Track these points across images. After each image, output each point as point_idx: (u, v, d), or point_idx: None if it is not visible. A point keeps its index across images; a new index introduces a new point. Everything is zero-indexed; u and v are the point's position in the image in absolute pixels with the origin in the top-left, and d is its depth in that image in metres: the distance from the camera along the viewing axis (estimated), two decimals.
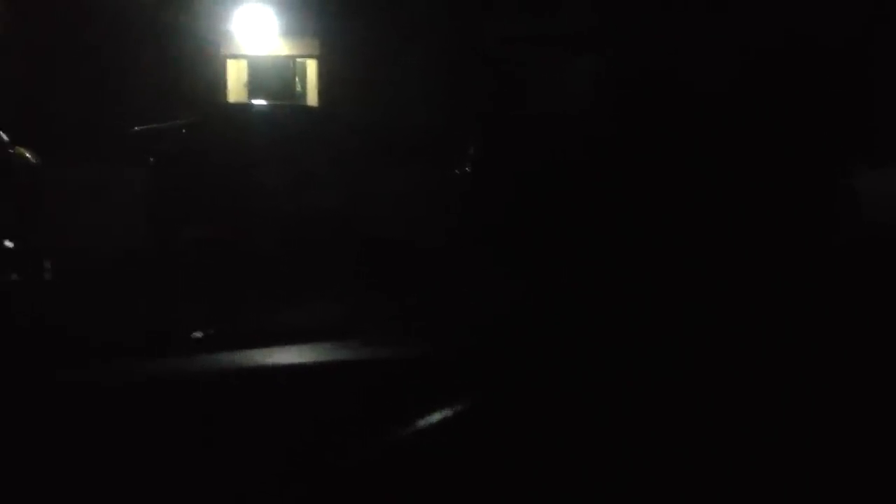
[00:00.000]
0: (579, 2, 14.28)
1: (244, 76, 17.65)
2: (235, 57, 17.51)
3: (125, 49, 16.46)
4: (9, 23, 15.04)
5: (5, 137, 9.05)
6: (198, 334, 2.03)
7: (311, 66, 17.57)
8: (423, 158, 10.86)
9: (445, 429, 1.33)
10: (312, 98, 17.41)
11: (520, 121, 12.03)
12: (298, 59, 17.65)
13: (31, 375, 1.05)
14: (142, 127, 12.77)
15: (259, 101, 14.18)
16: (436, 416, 1.32)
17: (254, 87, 17.38)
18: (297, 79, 17.75)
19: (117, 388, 1.71)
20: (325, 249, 7.42)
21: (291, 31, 17.16)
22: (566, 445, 1.37)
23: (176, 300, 5.29)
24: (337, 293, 5.59)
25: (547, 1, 14.67)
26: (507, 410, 1.43)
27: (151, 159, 9.01)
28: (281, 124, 9.71)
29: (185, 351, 1.93)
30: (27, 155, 9.39)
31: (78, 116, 14.48)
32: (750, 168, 5.95)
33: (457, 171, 10.07)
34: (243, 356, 1.90)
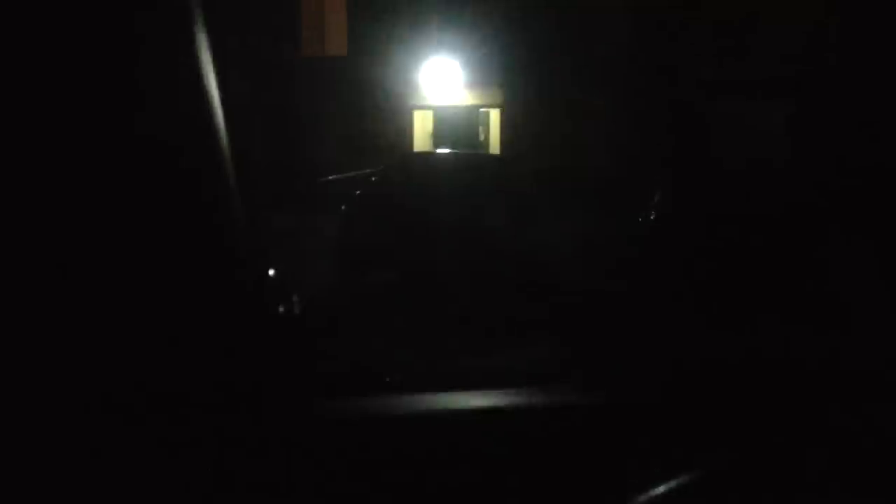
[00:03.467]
0: (775, 47, 13.90)
1: (429, 126, 18.08)
2: (421, 108, 17.97)
3: (316, 100, 17.20)
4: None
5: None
6: (395, 376, 2.07)
7: (494, 115, 17.82)
8: (608, 205, 10.77)
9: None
10: (495, 146, 17.64)
11: (708, 168, 11.77)
12: (482, 109, 17.95)
13: (291, 406, 1.11)
14: (333, 176, 13.30)
15: (444, 150, 14.47)
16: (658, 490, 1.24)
17: (439, 136, 17.79)
18: (480, 127, 18.04)
19: (332, 425, 1.76)
20: (511, 295, 7.44)
21: (475, 82, 17.48)
22: None
23: (367, 342, 5.42)
24: (523, 339, 5.58)
25: (741, 46, 14.34)
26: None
27: (343, 207, 9.33)
28: (465, 172, 9.85)
29: (381, 392, 1.96)
30: None
31: (273, 166, 15.17)
32: None
33: (640, 218, 9.93)
34: (434, 399, 1.91)
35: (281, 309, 1.18)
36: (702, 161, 13.14)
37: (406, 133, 17.86)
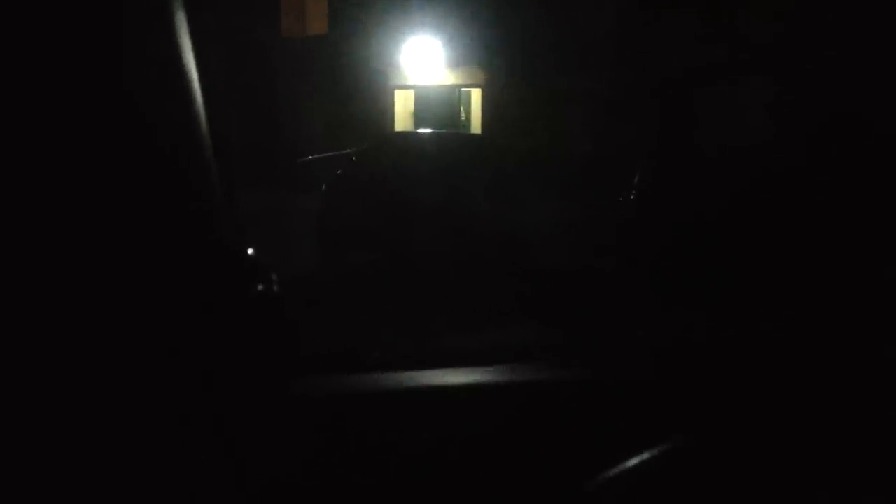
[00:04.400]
0: (759, 31, 13.93)
1: (411, 105, 18.04)
2: (403, 87, 17.93)
3: (297, 81, 17.14)
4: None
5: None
6: (376, 354, 2.08)
7: (476, 95, 17.81)
8: (587, 186, 10.81)
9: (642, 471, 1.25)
10: (476, 126, 17.63)
11: (688, 149, 11.80)
12: (463, 89, 17.92)
13: (269, 387, 1.11)
14: (314, 156, 13.26)
15: (425, 130, 14.46)
16: (641, 458, 1.25)
17: (420, 116, 17.76)
18: (461, 108, 18.03)
19: (321, 402, 1.78)
20: (490, 275, 7.47)
21: (457, 62, 17.44)
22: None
23: (350, 321, 5.44)
24: (504, 318, 5.61)
25: (725, 30, 14.36)
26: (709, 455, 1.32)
27: (323, 186, 9.31)
28: (446, 152, 9.85)
29: (366, 369, 1.98)
30: None
31: (254, 146, 15.12)
32: None
33: (621, 198, 9.96)
34: (419, 376, 1.93)
35: (259, 287, 1.18)
36: (683, 143, 13.19)
37: (387, 113, 17.83)
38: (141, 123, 0.93)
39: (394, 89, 17.89)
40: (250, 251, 1.21)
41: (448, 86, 17.85)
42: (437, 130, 13.67)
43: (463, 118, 18.02)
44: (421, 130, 15.07)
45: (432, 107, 17.80)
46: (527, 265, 8.08)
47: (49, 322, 0.87)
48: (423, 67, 17.59)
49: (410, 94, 18.06)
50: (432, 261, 7.82)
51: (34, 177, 0.86)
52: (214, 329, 0.97)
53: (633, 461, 1.21)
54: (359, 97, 17.28)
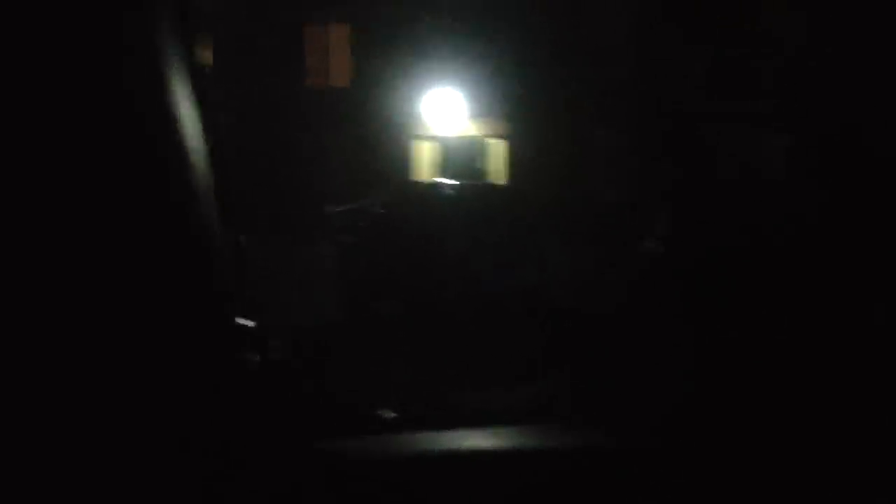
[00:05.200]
0: (774, 80, 13.95)
1: (434, 156, 18.08)
2: (426, 138, 18.00)
3: (321, 134, 17.27)
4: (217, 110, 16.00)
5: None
6: (389, 414, 2.06)
7: (499, 146, 17.83)
8: (611, 234, 10.78)
9: None
10: (500, 177, 17.63)
11: (707, 196, 11.79)
12: (486, 140, 17.96)
13: (279, 452, 1.10)
14: (340, 208, 13.31)
15: (448, 181, 14.50)
16: None
17: (443, 167, 17.78)
18: (484, 158, 18.05)
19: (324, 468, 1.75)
20: (516, 326, 7.43)
21: (480, 113, 17.52)
22: None
23: (368, 376, 5.41)
24: (527, 372, 5.57)
25: (740, 79, 14.39)
26: None
27: (348, 237, 9.34)
28: (470, 203, 9.87)
29: (376, 430, 1.94)
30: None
31: (277, 198, 15.17)
32: None
33: (644, 247, 9.93)
34: (432, 438, 1.89)
35: (256, 358, 1.16)
36: (703, 190, 13.16)
37: (410, 164, 17.88)
38: (139, 181, 0.92)
39: (415, 140, 17.96)
40: (248, 322, 1.19)
41: (470, 136, 17.90)
42: (460, 181, 13.71)
43: (486, 169, 18.04)
44: (444, 181, 15.11)
45: (455, 158, 17.83)
46: (550, 311, 8.04)
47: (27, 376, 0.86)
48: (446, 118, 17.66)
49: (434, 145, 18.12)
50: (455, 311, 7.80)
51: (30, 243, 0.86)
52: (199, 397, 0.95)
53: None
54: (381, 148, 17.37)
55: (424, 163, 18.06)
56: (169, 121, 0.99)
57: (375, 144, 17.38)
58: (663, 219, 9.88)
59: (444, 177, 16.99)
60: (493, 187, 15.05)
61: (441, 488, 1.72)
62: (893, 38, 10.60)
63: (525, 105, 16.60)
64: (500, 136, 17.68)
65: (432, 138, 18.05)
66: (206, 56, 16.47)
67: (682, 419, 2.03)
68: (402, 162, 17.75)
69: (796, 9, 13.88)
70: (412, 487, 1.71)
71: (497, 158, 17.84)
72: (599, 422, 2.00)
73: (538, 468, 1.78)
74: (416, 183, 16.55)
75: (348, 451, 1.76)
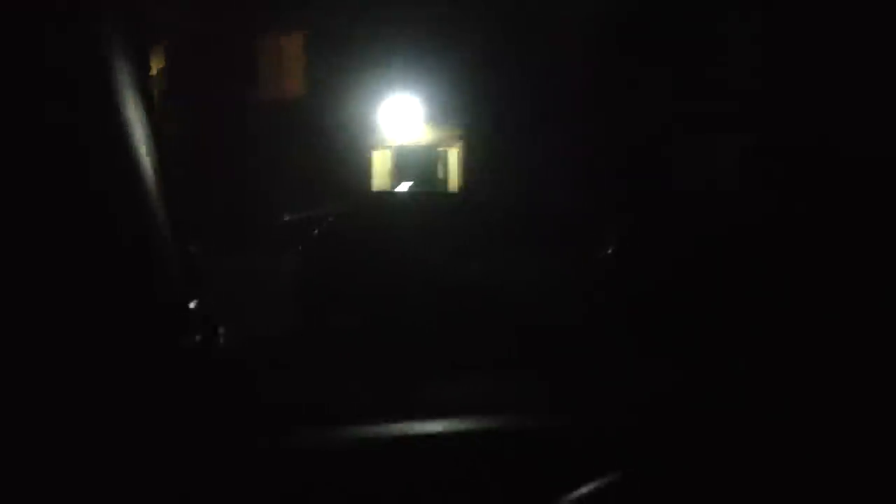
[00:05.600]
0: (729, 82, 14.12)
1: (389, 165, 18.12)
2: (381, 147, 18.02)
3: (277, 143, 17.20)
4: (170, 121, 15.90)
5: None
6: (350, 403, 2.07)
7: (454, 154, 17.91)
8: (566, 240, 10.81)
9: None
10: (454, 184, 17.71)
11: (665, 201, 11.88)
12: (441, 147, 18.03)
13: (228, 441, 1.11)
14: (292, 216, 13.24)
15: (403, 189, 14.50)
16: (581, 491, 1.27)
17: (398, 175, 17.82)
18: (439, 165, 18.12)
19: (293, 455, 1.77)
20: (470, 333, 7.42)
21: (434, 120, 17.57)
22: None
23: (326, 378, 5.38)
24: (482, 371, 5.56)
25: (696, 81, 14.55)
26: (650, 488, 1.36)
27: (301, 247, 9.28)
28: (424, 211, 9.86)
29: (340, 421, 1.96)
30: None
31: (230, 207, 15.10)
32: None
33: (600, 252, 9.98)
34: (393, 427, 1.91)
35: (197, 338, 1.17)
36: (660, 195, 13.28)
37: (365, 172, 17.88)
38: (87, 187, 0.92)
39: (371, 149, 17.97)
40: (192, 304, 1.21)
41: (426, 144, 17.96)
42: (415, 189, 13.72)
43: (441, 176, 18.11)
44: (398, 189, 15.12)
45: (410, 166, 17.88)
46: (508, 320, 8.04)
47: None
48: (401, 126, 17.70)
49: (388, 153, 18.15)
50: (412, 320, 7.77)
51: None
52: (135, 375, 0.96)
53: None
54: (336, 157, 17.34)
55: (381, 171, 18.08)
56: (113, 127, 1.01)
57: (332, 153, 17.35)
58: (619, 226, 9.93)
59: (399, 184, 17.01)
60: (447, 195, 15.08)
61: (398, 473, 1.75)
62: (853, 40, 10.77)
63: (482, 112, 16.66)
64: (456, 144, 17.75)
65: (389, 146, 18.08)
66: (159, 65, 16.36)
67: (638, 416, 2.06)
68: (359, 170, 17.75)
69: (753, 10, 14.07)
70: (369, 474, 1.73)
71: (452, 166, 17.92)
72: (557, 410, 2.05)
73: (500, 450, 1.82)
74: (372, 191, 16.56)
75: (307, 441, 1.78)
